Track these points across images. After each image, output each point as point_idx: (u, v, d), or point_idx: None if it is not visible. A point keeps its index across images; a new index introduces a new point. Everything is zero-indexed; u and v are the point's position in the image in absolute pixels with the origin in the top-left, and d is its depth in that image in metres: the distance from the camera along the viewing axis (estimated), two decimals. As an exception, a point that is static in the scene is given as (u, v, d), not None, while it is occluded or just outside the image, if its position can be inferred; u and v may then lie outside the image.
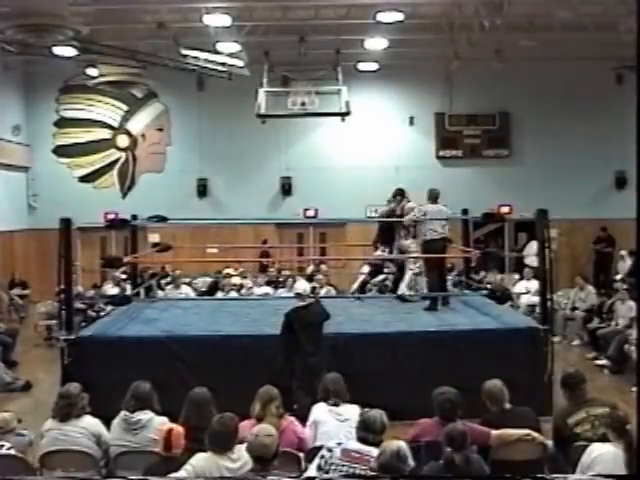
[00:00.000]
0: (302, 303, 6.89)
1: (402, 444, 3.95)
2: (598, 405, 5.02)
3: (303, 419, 5.35)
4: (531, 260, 14.30)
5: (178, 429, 4.49)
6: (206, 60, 14.49)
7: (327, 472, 4.15)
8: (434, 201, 9.32)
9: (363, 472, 4.06)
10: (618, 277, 12.70)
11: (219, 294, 12.19)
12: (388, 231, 9.94)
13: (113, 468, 4.92)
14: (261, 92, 14.28)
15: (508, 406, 5.20)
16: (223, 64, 14.72)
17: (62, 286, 7.70)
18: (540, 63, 15.76)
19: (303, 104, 14.44)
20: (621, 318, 10.20)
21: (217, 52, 14.17)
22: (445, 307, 9.14)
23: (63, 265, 7.65)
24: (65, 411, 5.09)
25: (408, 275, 9.60)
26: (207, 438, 4.22)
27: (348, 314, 8.70)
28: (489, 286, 11.78)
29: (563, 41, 14.51)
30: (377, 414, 4.44)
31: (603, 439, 4.46)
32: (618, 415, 4.36)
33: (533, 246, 14.57)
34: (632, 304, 10.12)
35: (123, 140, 17.46)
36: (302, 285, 7.23)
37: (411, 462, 4.01)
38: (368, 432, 4.32)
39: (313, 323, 6.86)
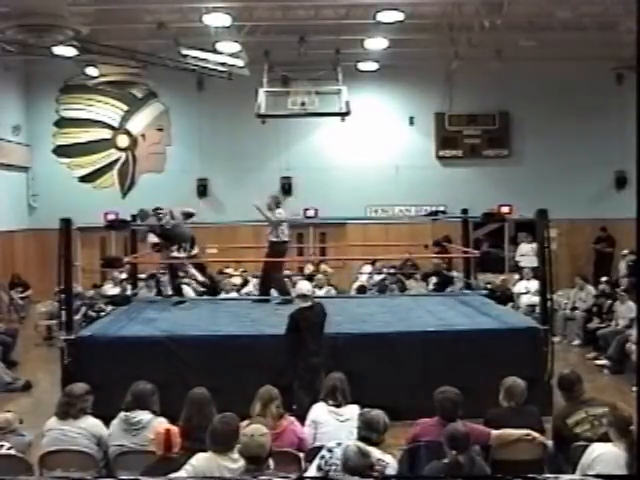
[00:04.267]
0: (306, 304, 6.89)
1: (358, 442, 4.03)
2: (597, 405, 5.02)
3: (303, 419, 5.35)
4: (523, 260, 14.44)
5: (174, 429, 4.48)
6: (206, 60, 14.49)
7: (327, 472, 4.15)
8: (278, 207, 9.86)
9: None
10: (603, 279, 12.60)
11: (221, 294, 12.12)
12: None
13: (113, 468, 4.92)
14: (261, 92, 14.28)
15: (515, 404, 5.19)
16: (223, 64, 14.72)
17: (62, 286, 7.71)
18: (540, 63, 15.75)
19: (303, 104, 14.43)
20: (621, 319, 10.21)
21: (217, 52, 14.16)
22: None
23: (63, 265, 7.66)
24: (71, 411, 5.09)
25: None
26: (208, 437, 4.21)
27: (348, 314, 8.70)
28: (489, 286, 11.80)
29: (563, 41, 14.50)
30: (380, 413, 4.44)
31: (603, 439, 4.46)
32: (623, 415, 4.35)
33: (524, 248, 14.75)
34: (632, 304, 10.14)
35: (123, 140, 17.46)
36: (306, 286, 7.23)
37: (376, 454, 4.07)
38: (372, 431, 4.32)
39: (317, 323, 6.86)
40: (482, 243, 15.86)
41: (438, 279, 12.69)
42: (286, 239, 9.86)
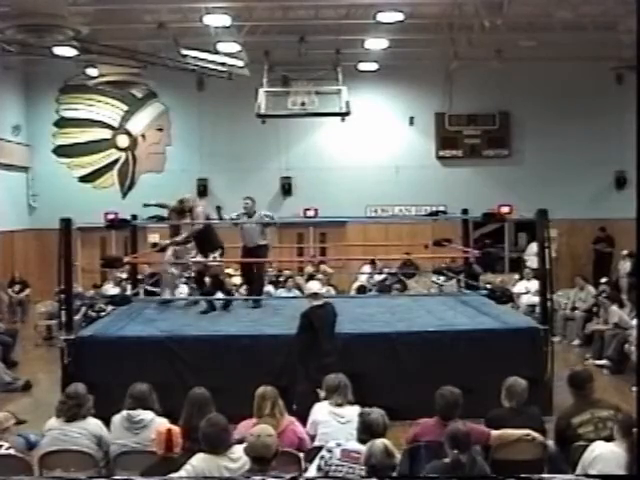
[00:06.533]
0: (318, 303, 6.88)
1: (386, 441, 3.98)
2: (604, 407, 4.98)
3: (304, 419, 5.34)
4: (532, 261, 14.34)
5: (176, 429, 4.48)
6: (206, 60, 14.49)
7: (327, 473, 4.15)
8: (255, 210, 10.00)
9: (363, 472, 4.06)
10: (603, 280, 12.53)
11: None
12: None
13: (113, 468, 4.92)
14: (261, 92, 14.29)
15: (517, 405, 5.19)
16: (223, 64, 14.71)
17: (62, 286, 7.71)
18: (540, 63, 15.76)
19: (303, 104, 14.45)
20: (611, 324, 10.24)
21: (217, 52, 14.16)
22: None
23: (63, 265, 7.65)
24: (73, 411, 5.08)
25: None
26: (202, 442, 4.20)
27: (348, 314, 8.69)
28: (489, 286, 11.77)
29: (563, 41, 14.50)
30: (379, 416, 4.42)
31: (605, 441, 4.45)
32: (630, 416, 4.34)
33: (533, 247, 14.65)
34: (615, 309, 10.22)
35: (123, 140, 17.47)
36: (316, 285, 7.24)
37: (398, 456, 4.03)
38: (370, 435, 4.31)
39: (329, 322, 6.87)
40: (482, 243, 15.84)
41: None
42: (264, 242, 10.00)
